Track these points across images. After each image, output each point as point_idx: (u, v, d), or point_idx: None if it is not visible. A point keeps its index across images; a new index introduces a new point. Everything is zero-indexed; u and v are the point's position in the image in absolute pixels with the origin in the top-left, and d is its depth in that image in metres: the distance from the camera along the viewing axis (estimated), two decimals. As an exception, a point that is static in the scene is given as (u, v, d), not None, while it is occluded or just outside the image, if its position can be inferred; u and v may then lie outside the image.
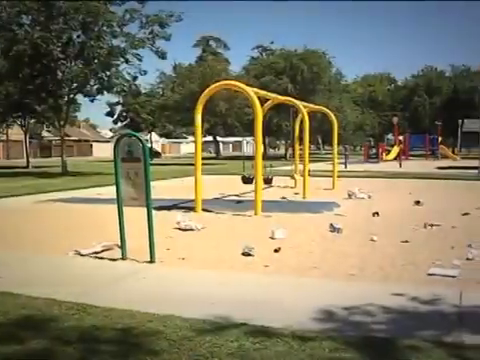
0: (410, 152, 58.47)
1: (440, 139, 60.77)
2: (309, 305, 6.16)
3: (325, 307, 6.07)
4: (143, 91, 66.28)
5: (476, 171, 28.74)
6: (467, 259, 8.67)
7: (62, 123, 37.02)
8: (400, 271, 7.97)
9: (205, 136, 76.35)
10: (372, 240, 10.32)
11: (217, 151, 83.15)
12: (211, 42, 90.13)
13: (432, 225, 12.00)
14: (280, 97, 21.13)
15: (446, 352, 4.82)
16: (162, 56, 35.18)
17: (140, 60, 34.62)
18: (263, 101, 18.39)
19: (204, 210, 14.26)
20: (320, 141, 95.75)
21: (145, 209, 8.36)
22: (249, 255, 8.89)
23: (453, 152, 66.80)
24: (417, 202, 15.97)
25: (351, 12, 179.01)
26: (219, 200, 17.14)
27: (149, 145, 60.29)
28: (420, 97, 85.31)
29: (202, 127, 15.83)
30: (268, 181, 21.36)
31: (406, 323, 5.66)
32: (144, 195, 8.35)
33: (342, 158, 38.33)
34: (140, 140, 8.46)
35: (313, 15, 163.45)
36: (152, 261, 8.33)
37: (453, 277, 7.55)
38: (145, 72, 36.28)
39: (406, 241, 10.21)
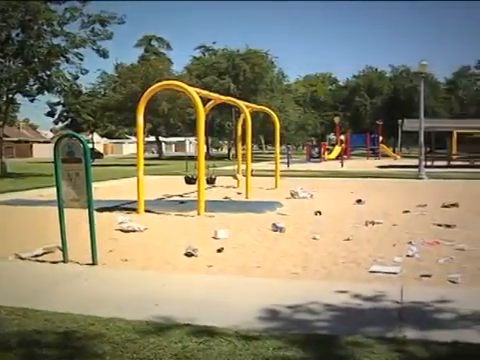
0: (351, 151, 59.34)
1: (381, 138, 61.82)
2: (253, 304, 6.17)
3: (269, 306, 6.10)
4: (84, 91, 65.34)
5: (416, 170, 29.28)
6: (407, 256, 8.84)
7: (1, 123, 36.20)
8: (342, 269, 8.07)
9: (147, 136, 75.85)
10: (314, 239, 10.41)
11: (160, 151, 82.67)
12: (153, 42, 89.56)
13: (373, 223, 12.18)
14: (222, 97, 21.12)
15: (388, 347, 4.90)
16: (104, 55, 34.74)
17: (81, 59, 34.07)
18: (205, 101, 18.36)
19: (147, 211, 14.15)
20: (263, 141, 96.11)
21: (86, 210, 8.25)
22: (192, 255, 8.86)
23: (394, 151, 67.95)
24: (358, 201, 16.19)
25: (292, 12, 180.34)
26: (162, 201, 17.05)
27: (90, 146, 59.59)
28: (361, 97, 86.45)
29: (144, 127, 15.73)
30: (211, 181, 21.35)
31: (349, 320, 5.73)
32: (85, 196, 8.24)
33: (285, 158, 38.65)
34: (81, 141, 8.34)
35: (256, 15, 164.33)
36: (94, 263, 8.23)
37: (394, 274, 7.68)
38: (86, 71, 35.74)
39: (348, 239, 10.34)
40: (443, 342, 5.02)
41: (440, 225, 11.98)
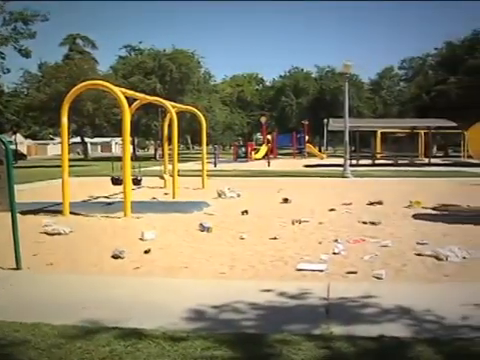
0: (278, 151, 59.87)
1: (307, 138, 62.60)
2: (180, 305, 6.16)
3: (196, 306, 6.10)
4: (6, 90, 63.72)
5: (342, 169, 29.79)
6: (334, 253, 8.99)
7: None
8: (270, 268, 8.14)
9: (72, 137, 74.58)
10: (242, 238, 10.47)
11: (85, 152, 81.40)
12: (78, 40, 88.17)
13: (300, 222, 12.33)
14: (148, 97, 20.99)
15: (316, 344, 4.97)
16: (26, 55, 34.00)
17: (3, 58, 33.24)
18: (131, 101, 18.20)
19: (72, 213, 13.92)
20: (189, 141, 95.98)
21: (9, 214, 8.06)
22: (119, 257, 8.77)
23: (319, 150, 68.94)
24: (285, 200, 16.36)
25: (219, 12, 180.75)
26: (88, 202, 16.79)
27: (13, 147, 58.19)
28: (287, 97, 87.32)
29: (69, 128, 15.47)
30: (137, 182, 21.16)
31: (276, 318, 5.78)
32: (8, 199, 8.04)
33: (211, 158, 38.66)
34: (3, 142, 8.14)
35: (183, 15, 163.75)
36: (18, 268, 8.03)
37: (321, 271, 7.80)
38: (8, 70, 34.90)
39: (275, 238, 10.44)
40: (369, 337, 5.13)
41: (365, 223, 12.23)
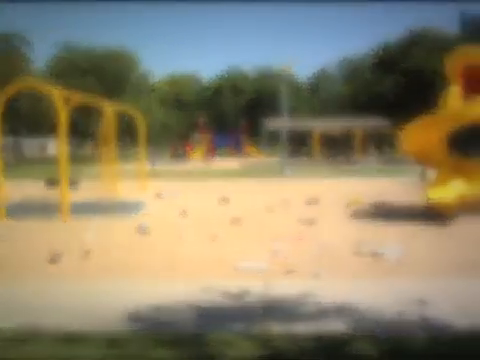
0: (216, 151, 59.88)
1: (245, 138, 62.79)
2: (119, 307, 6.09)
3: (135, 307, 6.04)
4: None
5: (280, 168, 29.98)
6: (273, 252, 9.03)
7: None
8: (209, 267, 8.14)
9: (6, 137, 72.94)
10: (181, 238, 10.43)
11: (20, 153, 79.71)
12: (12, 39, 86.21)
13: (239, 221, 12.35)
14: (85, 97, 20.69)
15: (255, 342, 5.00)
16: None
17: None
18: (68, 101, 17.90)
19: (7, 217, 13.60)
20: (128, 141, 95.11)
21: None
22: (56, 261, 8.61)
23: (258, 150, 69.25)
24: (223, 199, 16.36)
25: (155, 11, 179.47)
26: (24, 206, 16.42)
27: None
28: (225, 97, 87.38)
29: (2, 128, 15.11)
30: (74, 183, 20.81)
31: (216, 317, 5.78)
32: None
33: (150, 158, 38.38)
34: None
35: (120, 14, 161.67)
36: None
37: (260, 270, 7.82)
38: None
39: (214, 238, 10.44)
40: (307, 333, 5.17)
41: (303, 222, 12.34)
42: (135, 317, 5.80)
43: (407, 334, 5.21)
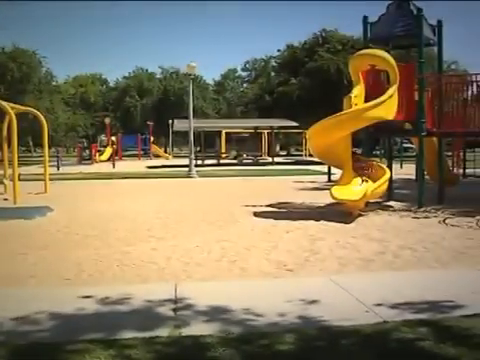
0: (123, 152, 59.32)
1: (152, 139, 62.52)
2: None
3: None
4: None
5: (187, 169, 30.01)
6: (172, 254, 9.03)
7: None
8: (117, 272, 8.03)
9: None
10: (86, 242, 10.26)
11: None
12: None
13: (149, 223, 12.27)
14: (-15, 98, 20.03)
15: (165, 345, 4.96)
16: None
17: None
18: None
19: None
20: (31, 143, 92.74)
21: None
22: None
23: (165, 151, 69.09)
24: (129, 201, 16.21)
25: (59, 10, 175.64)
26: None
27: None
28: (132, 98, 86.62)
29: None
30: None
31: (125, 322, 5.62)
32: None
33: (54, 161, 37.59)
34: None
35: (22, 13, 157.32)
36: None
37: (165, 272, 7.79)
38: None
39: (122, 240, 10.33)
40: (213, 335, 5.16)
41: (210, 223, 12.41)
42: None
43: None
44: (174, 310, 5.99)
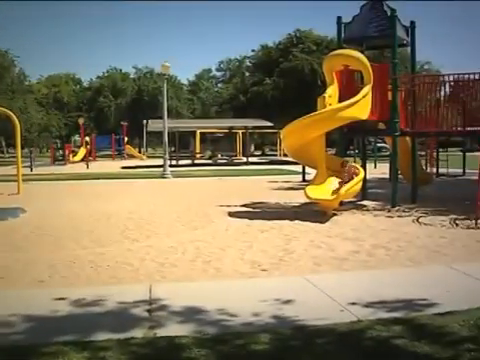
0: (97, 153, 58.92)
1: (126, 139, 62.17)
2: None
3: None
4: None
5: (161, 169, 29.91)
6: (149, 256, 8.99)
7: None
8: (91, 273, 7.96)
9: None
10: (61, 244, 10.18)
11: None
12: None
13: (125, 225, 12.22)
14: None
15: (140, 346, 4.93)
16: None
17: None
18: None
19: None
20: (3, 144, 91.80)
21: None
22: None
23: (139, 152, 68.78)
24: (104, 202, 16.13)
25: (31, 10, 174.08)
26: None
27: None
28: (105, 98, 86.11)
29: None
30: None
31: (102, 323, 5.58)
32: None
33: (28, 161, 37.25)
34: None
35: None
36: None
37: (140, 273, 7.75)
38: None
39: (97, 242, 10.26)
40: (188, 336, 5.15)
41: (183, 224, 12.40)
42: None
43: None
44: (149, 311, 5.97)
